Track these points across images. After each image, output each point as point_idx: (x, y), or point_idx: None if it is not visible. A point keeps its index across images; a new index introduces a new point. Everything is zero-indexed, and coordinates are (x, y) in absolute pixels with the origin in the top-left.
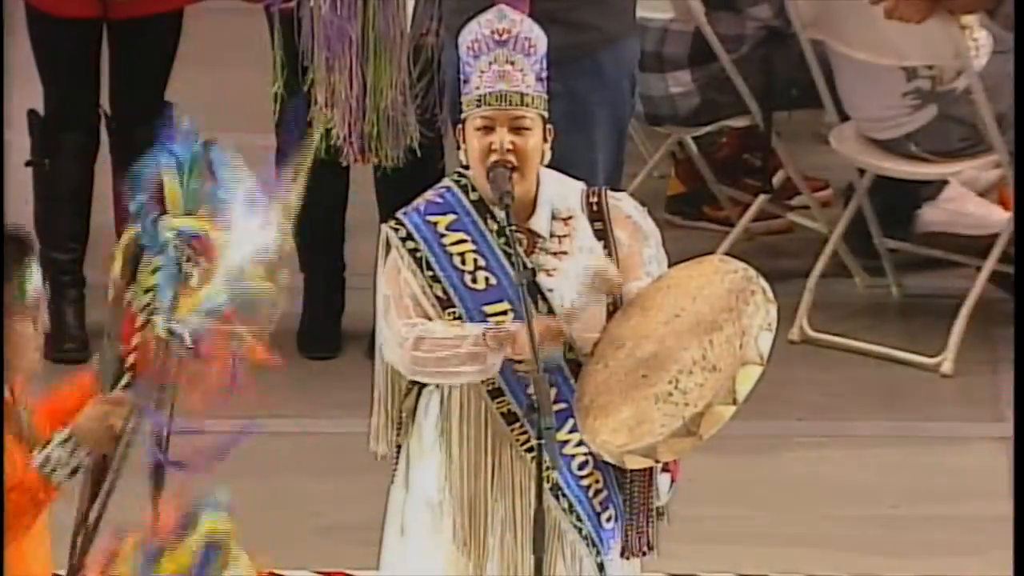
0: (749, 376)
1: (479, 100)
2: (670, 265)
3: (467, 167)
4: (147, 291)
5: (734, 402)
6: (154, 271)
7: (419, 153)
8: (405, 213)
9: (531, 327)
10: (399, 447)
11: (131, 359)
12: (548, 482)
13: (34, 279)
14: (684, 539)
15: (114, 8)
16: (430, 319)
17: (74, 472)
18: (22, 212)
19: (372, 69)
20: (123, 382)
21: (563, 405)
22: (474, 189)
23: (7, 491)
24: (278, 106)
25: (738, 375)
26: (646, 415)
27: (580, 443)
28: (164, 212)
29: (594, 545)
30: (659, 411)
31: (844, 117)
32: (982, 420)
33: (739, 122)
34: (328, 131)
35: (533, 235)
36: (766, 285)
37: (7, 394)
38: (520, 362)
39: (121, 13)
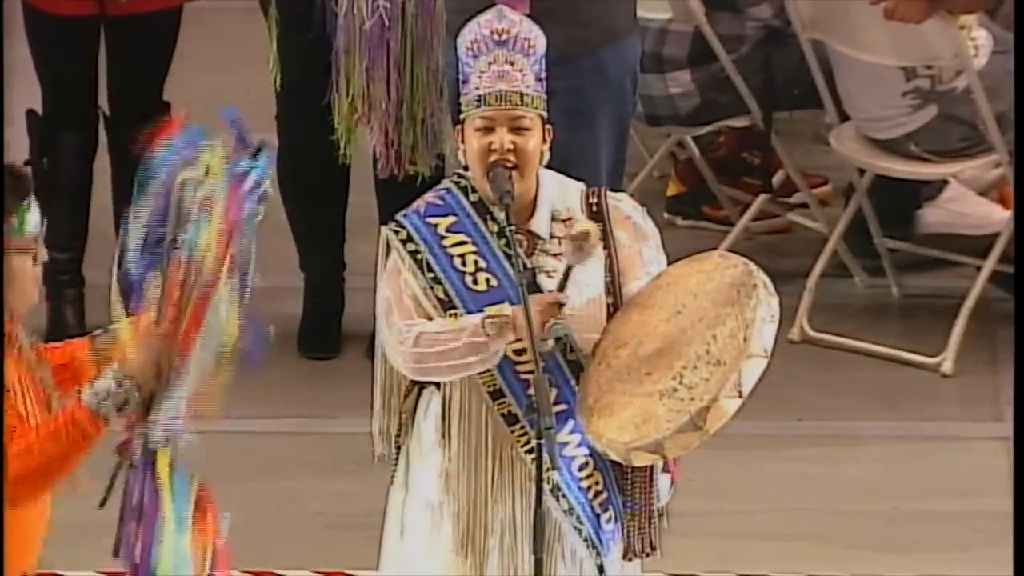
0: (754, 369)
1: (479, 100)
2: (669, 264)
3: (467, 168)
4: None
5: (740, 395)
6: None
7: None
8: (405, 215)
9: (530, 328)
10: (399, 448)
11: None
12: (548, 483)
13: (32, 214)
14: (683, 537)
15: (111, 6)
16: (432, 320)
17: (123, 406)
18: None
19: (409, 77)
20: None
21: (564, 407)
22: (474, 190)
23: (50, 436)
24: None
25: (743, 368)
26: (651, 412)
27: (581, 444)
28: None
29: (594, 546)
30: (664, 407)
31: (844, 117)
32: (982, 420)
33: (739, 122)
34: (346, 136)
35: (533, 236)
36: (767, 279)
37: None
38: (524, 360)
39: (118, 11)
